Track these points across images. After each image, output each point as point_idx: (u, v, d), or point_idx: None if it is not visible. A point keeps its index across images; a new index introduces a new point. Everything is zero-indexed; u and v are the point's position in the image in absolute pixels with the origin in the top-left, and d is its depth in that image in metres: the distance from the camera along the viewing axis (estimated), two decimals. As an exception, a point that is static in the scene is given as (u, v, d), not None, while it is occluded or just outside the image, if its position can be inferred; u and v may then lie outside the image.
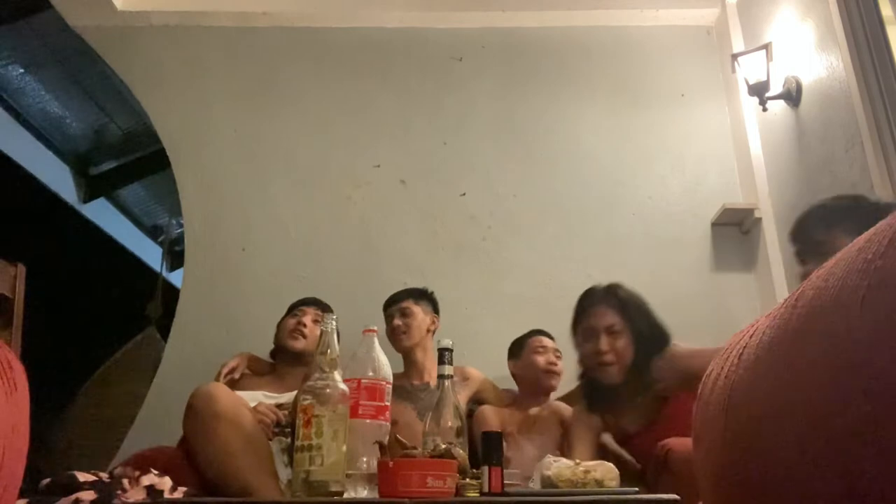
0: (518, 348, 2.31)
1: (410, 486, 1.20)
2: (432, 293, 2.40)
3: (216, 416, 1.64)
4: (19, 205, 4.18)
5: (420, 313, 2.31)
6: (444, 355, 1.57)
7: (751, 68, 2.63)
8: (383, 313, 2.35)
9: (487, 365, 2.36)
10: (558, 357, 2.25)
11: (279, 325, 2.35)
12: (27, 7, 3.35)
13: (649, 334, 1.83)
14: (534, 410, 2.14)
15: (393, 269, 2.76)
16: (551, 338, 2.31)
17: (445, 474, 1.24)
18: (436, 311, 2.37)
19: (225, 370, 2.17)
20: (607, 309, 1.89)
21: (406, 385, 2.19)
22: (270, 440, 1.80)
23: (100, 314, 4.56)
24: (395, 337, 2.27)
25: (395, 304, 2.33)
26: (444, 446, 1.33)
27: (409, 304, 2.31)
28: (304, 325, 2.28)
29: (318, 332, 2.18)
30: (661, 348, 1.75)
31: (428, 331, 2.31)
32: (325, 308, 2.32)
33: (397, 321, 2.28)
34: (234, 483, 1.59)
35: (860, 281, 0.43)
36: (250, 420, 1.71)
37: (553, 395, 2.23)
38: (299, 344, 2.25)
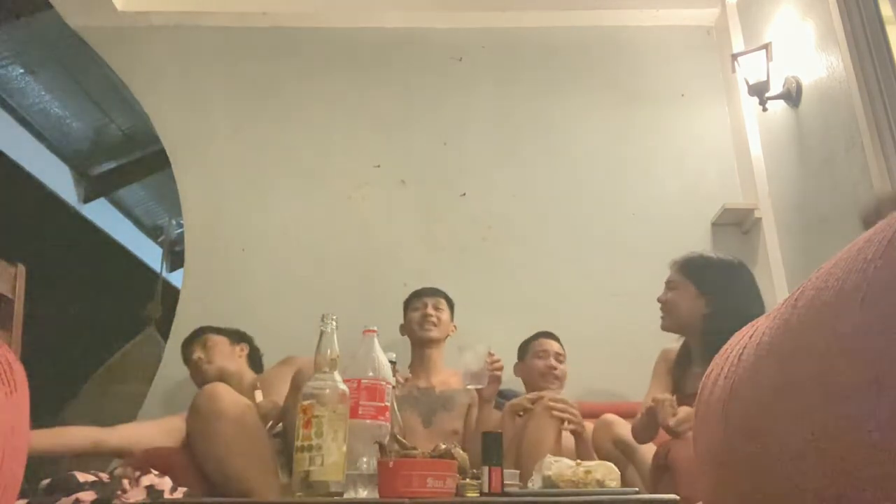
0: (523, 351, 2.32)
1: (410, 486, 1.20)
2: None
3: (219, 415, 1.64)
4: (19, 205, 4.18)
5: (448, 315, 2.34)
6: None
7: (751, 68, 2.63)
8: (410, 304, 2.35)
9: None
10: (560, 360, 2.25)
11: None
12: (27, 7, 3.35)
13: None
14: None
15: (393, 270, 2.76)
16: (557, 340, 2.31)
17: (445, 474, 1.24)
18: (452, 320, 2.40)
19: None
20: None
21: (413, 390, 2.19)
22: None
23: (100, 314, 4.55)
24: (427, 324, 2.27)
25: (429, 296, 2.34)
26: (444, 446, 1.33)
27: (443, 301, 2.35)
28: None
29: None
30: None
31: (447, 335, 2.34)
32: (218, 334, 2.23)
33: (431, 310, 2.29)
34: (236, 482, 1.59)
35: (860, 281, 0.43)
36: (254, 419, 1.71)
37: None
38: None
